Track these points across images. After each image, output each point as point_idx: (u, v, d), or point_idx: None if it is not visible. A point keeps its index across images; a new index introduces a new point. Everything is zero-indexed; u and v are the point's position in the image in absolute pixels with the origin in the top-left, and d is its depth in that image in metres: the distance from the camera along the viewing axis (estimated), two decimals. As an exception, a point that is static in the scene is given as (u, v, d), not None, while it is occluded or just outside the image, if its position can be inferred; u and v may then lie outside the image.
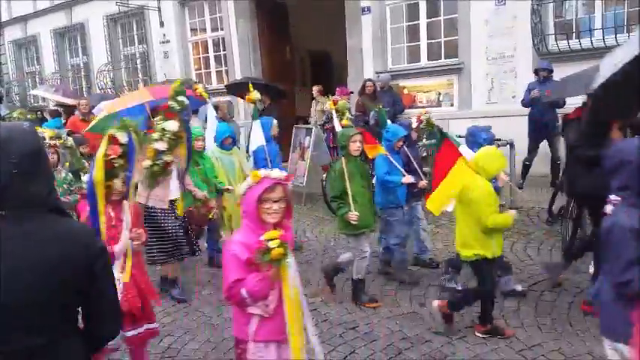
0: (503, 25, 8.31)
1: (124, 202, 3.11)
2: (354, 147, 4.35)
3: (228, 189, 5.23)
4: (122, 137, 2.92)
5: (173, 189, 4.10)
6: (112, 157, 2.89)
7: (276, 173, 2.40)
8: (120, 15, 13.12)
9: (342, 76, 11.07)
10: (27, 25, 16.39)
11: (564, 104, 6.81)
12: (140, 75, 13.69)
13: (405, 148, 4.95)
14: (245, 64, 11.56)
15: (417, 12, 9.33)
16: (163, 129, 3.35)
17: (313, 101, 11.80)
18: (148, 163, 3.25)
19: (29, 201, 1.53)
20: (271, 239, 2.18)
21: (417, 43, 9.44)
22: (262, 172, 2.40)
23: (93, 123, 5.05)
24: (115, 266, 2.91)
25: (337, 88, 8.79)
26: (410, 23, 9.48)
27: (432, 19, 9.23)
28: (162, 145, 3.31)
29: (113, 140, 2.91)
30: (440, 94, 9.15)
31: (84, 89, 15.16)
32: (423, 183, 4.75)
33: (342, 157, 4.41)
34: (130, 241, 3.05)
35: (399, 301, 4.48)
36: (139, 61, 13.64)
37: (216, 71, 12.46)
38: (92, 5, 13.98)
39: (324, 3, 11.07)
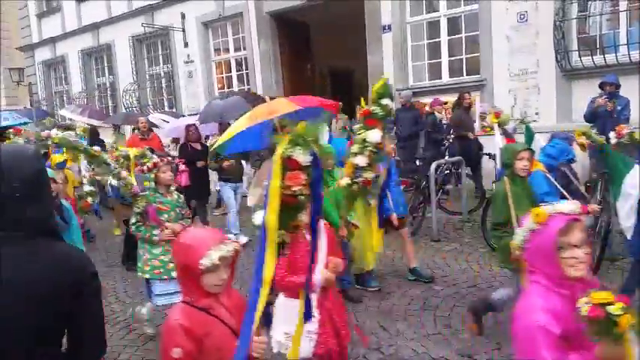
0: (525, 41, 8.29)
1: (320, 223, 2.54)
2: (521, 165, 3.70)
3: (356, 225, 4.35)
4: (303, 157, 2.06)
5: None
6: (294, 188, 2.04)
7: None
8: (145, 36, 13.46)
9: (363, 93, 11.09)
10: (56, 46, 16.91)
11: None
12: (165, 94, 13.97)
13: (567, 167, 4.34)
14: (267, 82, 11.72)
15: (438, 29, 9.38)
16: (364, 140, 2.76)
17: (333, 119, 11.91)
18: (346, 181, 2.81)
19: (27, 224, 1.52)
20: (608, 303, 1.52)
21: (439, 60, 9.46)
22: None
23: (219, 142, 4.57)
24: (312, 301, 2.51)
25: (432, 99, 8.79)
26: (431, 41, 9.52)
27: (453, 36, 9.25)
28: (362, 160, 2.79)
29: (289, 164, 2.05)
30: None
31: (110, 108, 15.53)
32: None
33: (505, 177, 3.75)
34: (327, 271, 2.60)
35: (423, 322, 4.44)
36: (163, 81, 13.94)
37: (239, 89, 12.62)
38: (118, 26, 14.38)
39: (345, 21, 11.20)
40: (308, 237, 2.57)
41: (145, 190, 4.09)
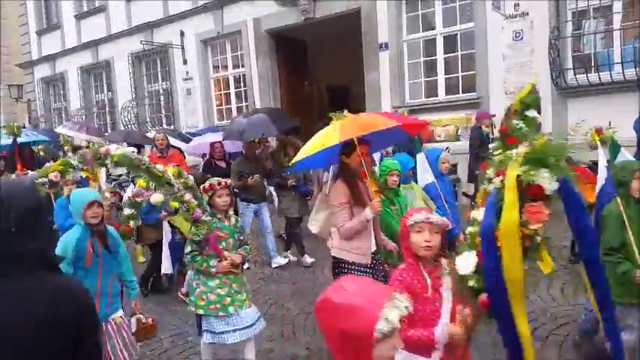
0: (521, 59, 8.37)
1: (441, 261, 2.27)
2: (637, 185, 3.39)
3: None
4: (549, 183, 1.69)
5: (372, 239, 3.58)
6: (533, 226, 1.69)
7: None
8: (144, 53, 13.55)
9: (361, 110, 11.15)
10: (55, 63, 17.02)
11: None
12: (163, 111, 14.03)
13: None
14: (265, 99, 11.78)
15: (435, 47, 9.46)
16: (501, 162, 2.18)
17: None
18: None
19: (24, 258, 1.48)
20: None
21: (435, 77, 9.53)
22: None
23: (297, 159, 3.77)
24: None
25: (477, 112, 8.14)
26: (427, 59, 9.60)
27: (450, 54, 9.34)
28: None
29: (529, 191, 1.68)
30: (458, 128, 9.17)
31: (108, 125, 15.57)
32: None
33: (618, 198, 3.41)
34: (453, 325, 2.16)
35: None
36: (162, 98, 14.00)
37: (237, 107, 12.71)
38: (118, 43, 14.50)
39: (342, 39, 11.32)
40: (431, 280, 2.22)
41: (199, 217, 3.67)
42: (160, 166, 3.70)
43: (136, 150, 3.80)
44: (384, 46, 9.85)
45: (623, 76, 7.41)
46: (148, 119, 14.20)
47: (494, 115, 7.78)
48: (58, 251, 3.16)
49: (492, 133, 7.93)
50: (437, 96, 9.56)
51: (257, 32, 11.57)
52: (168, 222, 5.54)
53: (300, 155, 3.70)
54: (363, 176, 3.62)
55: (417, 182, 4.95)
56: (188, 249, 3.71)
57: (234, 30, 11.96)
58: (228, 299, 3.66)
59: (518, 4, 8.31)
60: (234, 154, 8.23)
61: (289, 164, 6.53)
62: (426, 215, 2.21)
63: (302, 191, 6.79)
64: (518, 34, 8.36)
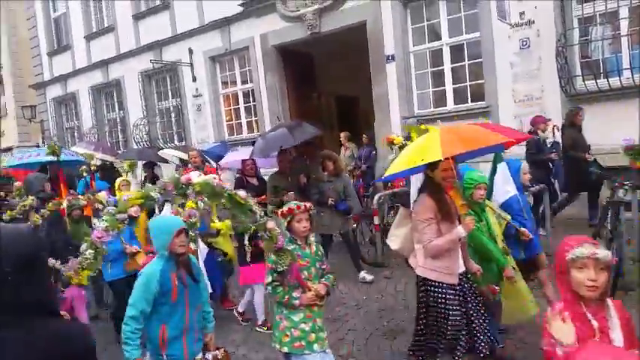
0: (528, 67, 8.37)
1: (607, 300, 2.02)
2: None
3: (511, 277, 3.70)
4: None
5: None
6: None
7: None
8: (154, 71, 13.73)
9: (369, 120, 11.24)
10: (67, 83, 17.29)
11: None
12: (174, 128, 14.18)
13: None
14: (274, 113, 11.87)
15: (441, 57, 9.49)
16: None
17: (342, 147, 12.02)
18: None
19: (22, 307, 1.46)
20: None
21: (443, 87, 9.56)
22: None
23: (391, 171, 3.63)
24: None
25: (532, 118, 7.55)
26: (434, 69, 9.63)
27: (457, 64, 9.36)
28: None
29: None
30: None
31: (120, 143, 15.77)
32: None
33: None
34: None
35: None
36: (172, 115, 14.16)
37: (247, 121, 12.82)
38: (128, 62, 14.71)
39: (348, 52, 11.39)
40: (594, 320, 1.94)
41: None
42: (242, 193, 3.37)
43: (216, 177, 3.47)
44: (390, 57, 9.91)
45: (633, 80, 7.39)
46: (160, 136, 14.36)
47: (550, 120, 7.55)
48: (140, 288, 2.99)
49: (552, 137, 7.58)
50: (445, 105, 9.57)
51: (264, 48, 11.69)
52: (208, 243, 5.52)
53: (396, 168, 3.49)
54: (449, 190, 3.43)
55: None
56: (269, 279, 3.41)
57: (242, 46, 12.09)
58: (313, 336, 3.37)
59: (523, 13, 8.32)
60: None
61: (327, 179, 6.53)
62: (591, 250, 1.94)
63: (342, 209, 6.52)
64: (524, 42, 8.38)
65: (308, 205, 3.52)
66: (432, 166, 3.35)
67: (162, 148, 12.05)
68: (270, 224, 3.36)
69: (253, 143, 8.30)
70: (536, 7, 8.17)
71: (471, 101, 9.26)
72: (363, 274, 6.42)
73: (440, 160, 3.18)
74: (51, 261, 2.82)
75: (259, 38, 11.73)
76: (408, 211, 3.83)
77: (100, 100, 16.46)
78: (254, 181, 7.18)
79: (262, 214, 3.40)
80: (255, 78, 12.12)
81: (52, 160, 7.12)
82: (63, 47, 17.19)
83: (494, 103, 8.79)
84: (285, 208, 3.48)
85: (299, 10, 10.76)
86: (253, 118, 12.59)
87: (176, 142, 13.69)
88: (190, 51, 12.93)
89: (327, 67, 13.01)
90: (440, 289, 3.36)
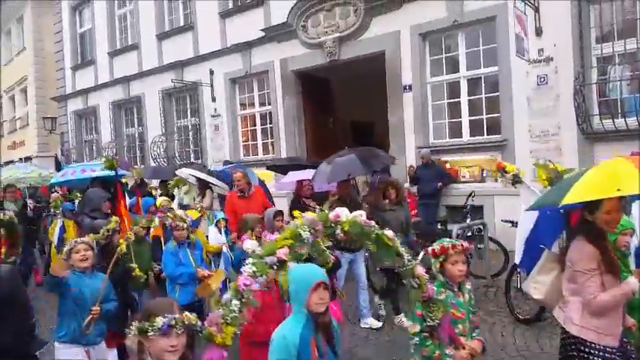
0: (545, 103, 8.42)
1: None
2: None
3: None
4: None
5: None
6: None
7: None
8: (175, 90, 14.00)
9: (384, 146, 11.30)
10: (88, 97, 17.67)
11: None
12: (192, 146, 14.39)
13: None
14: (290, 135, 12.03)
15: (458, 90, 9.58)
16: None
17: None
18: None
19: None
20: None
21: (459, 119, 9.63)
22: None
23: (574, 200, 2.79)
24: None
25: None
26: (451, 100, 9.72)
27: (474, 96, 9.44)
28: None
29: None
30: (483, 170, 9.20)
31: (138, 158, 16.01)
32: None
33: None
34: None
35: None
36: (190, 133, 14.38)
37: (263, 143, 12.98)
38: (149, 80, 15.02)
39: (366, 79, 11.53)
40: None
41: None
42: (389, 233, 2.88)
43: (362, 213, 2.95)
44: (407, 87, 10.02)
45: (651, 121, 7.40)
46: (177, 153, 14.57)
47: None
48: (277, 351, 2.47)
49: None
50: (461, 137, 9.63)
51: (283, 72, 11.89)
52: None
53: (581, 196, 2.77)
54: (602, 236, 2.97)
55: None
56: (417, 329, 2.97)
57: (262, 70, 12.32)
58: None
59: (542, 50, 8.40)
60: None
61: (389, 207, 6.06)
62: None
63: (407, 241, 5.91)
64: (542, 79, 8.44)
65: (465, 244, 3.10)
66: (591, 207, 2.91)
67: (180, 166, 12.11)
68: (419, 270, 2.89)
69: (298, 166, 8.32)
70: (555, 45, 8.25)
71: (487, 134, 9.31)
72: (402, 319, 5.73)
73: (602, 200, 2.83)
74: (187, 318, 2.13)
75: (279, 63, 11.94)
76: (556, 255, 3.39)
77: (120, 116, 16.78)
78: (311, 203, 6.76)
79: (410, 257, 2.90)
80: (273, 101, 12.30)
81: (110, 175, 6.59)
82: (87, 62, 17.62)
83: (510, 137, 8.83)
84: (437, 247, 3.08)
85: (319, 38, 10.97)
86: (269, 140, 12.74)
87: (192, 159, 13.86)
88: (211, 72, 13.18)
89: (344, 92, 13.17)
90: (598, 353, 2.89)
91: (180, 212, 5.56)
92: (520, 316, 5.84)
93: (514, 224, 6.26)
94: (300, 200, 6.90)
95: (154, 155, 14.48)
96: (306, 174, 7.38)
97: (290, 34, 11.53)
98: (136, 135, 16.28)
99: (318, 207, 7.19)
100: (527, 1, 8.14)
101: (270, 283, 2.75)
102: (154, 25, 14.74)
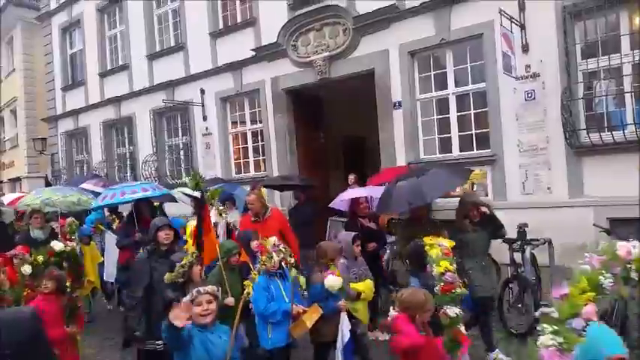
0: (534, 119, 8.53)
1: None
2: None
3: None
4: None
5: None
6: None
7: None
8: (166, 109, 14.04)
9: (375, 162, 11.39)
10: (79, 118, 17.64)
11: None
12: (183, 164, 14.39)
13: None
14: (281, 153, 12.08)
15: (447, 106, 9.70)
16: None
17: (348, 188, 12.11)
18: None
19: None
20: None
21: (449, 135, 9.72)
22: None
23: None
24: None
25: None
26: (440, 116, 9.83)
27: (462, 112, 9.56)
28: None
29: None
30: (474, 184, 9.27)
31: (129, 178, 15.94)
32: None
33: None
34: None
35: None
36: (182, 152, 14.38)
37: (254, 160, 13.00)
38: (140, 100, 15.05)
39: (357, 96, 11.63)
40: None
41: None
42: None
43: None
44: (397, 104, 10.12)
45: (637, 135, 7.51)
46: (168, 172, 14.54)
47: None
48: None
49: None
50: (451, 152, 9.71)
51: (274, 90, 11.98)
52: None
53: None
54: None
55: None
56: None
57: (253, 88, 12.40)
58: None
59: (529, 66, 8.54)
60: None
61: (472, 229, 5.40)
62: None
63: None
64: (530, 94, 8.57)
65: None
66: None
67: (173, 185, 11.99)
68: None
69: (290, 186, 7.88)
70: (542, 61, 8.39)
71: (477, 149, 9.41)
72: (498, 354, 5.35)
73: None
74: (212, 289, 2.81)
75: (270, 81, 12.03)
76: None
77: (111, 135, 16.75)
78: (371, 224, 6.40)
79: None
80: (265, 119, 12.37)
81: (154, 195, 6.41)
82: (77, 83, 17.63)
83: (499, 151, 8.92)
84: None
85: (309, 57, 11.09)
86: (261, 157, 12.77)
87: (184, 179, 13.80)
88: (202, 91, 13.25)
89: (334, 109, 13.28)
90: None
91: (273, 239, 4.64)
92: (513, 331, 5.86)
93: (504, 240, 6.35)
94: (356, 220, 6.43)
95: (145, 175, 14.44)
96: (362, 192, 6.98)
97: (280, 54, 11.65)
98: (127, 154, 16.24)
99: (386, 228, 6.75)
100: (513, 20, 8.31)
101: None
102: (145, 46, 14.82)
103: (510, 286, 6.43)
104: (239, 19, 12.76)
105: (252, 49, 12.01)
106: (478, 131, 9.38)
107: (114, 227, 8.94)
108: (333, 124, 13.85)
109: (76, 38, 17.90)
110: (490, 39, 8.84)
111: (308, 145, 12.56)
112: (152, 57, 14.70)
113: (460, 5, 9.24)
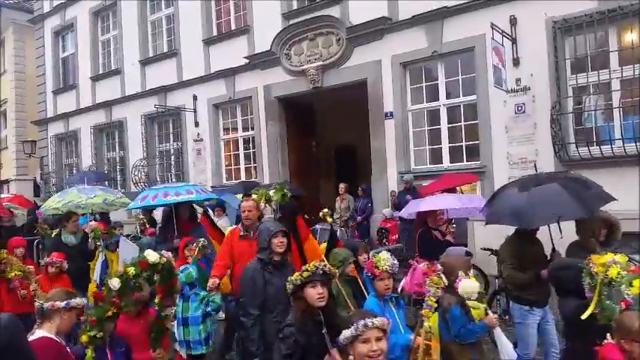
0: (523, 132, 8.61)
1: None
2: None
3: None
4: None
5: None
6: None
7: None
8: (157, 114, 13.99)
9: (367, 171, 11.42)
10: (69, 121, 17.52)
11: None
12: (173, 170, 14.32)
13: None
14: (273, 160, 12.07)
15: (438, 117, 9.76)
16: None
17: (338, 197, 12.11)
18: None
19: None
20: None
21: (439, 146, 9.78)
22: None
23: None
24: None
25: None
26: (431, 127, 9.89)
27: (453, 124, 9.63)
28: None
29: None
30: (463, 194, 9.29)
31: (119, 182, 15.85)
32: None
33: None
34: None
35: None
36: (173, 157, 14.32)
37: (245, 167, 12.98)
38: (131, 105, 15.00)
39: (349, 106, 11.69)
40: None
41: None
42: None
43: None
44: (389, 114, 10.18)
45: (624, 150, 7.60)
46: (158, 177, 14.47)
47: None
48: None
49: None
50: (442, 163, 9.77)
51: (267, 98, 12.00)
52: None
53: None
54: None
55: None
56: None
57: (245, 96, 12.41)
58: None
59: (520, 79, 8.63)
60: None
61: (599, 249, 4.32)
62: None
63: None
64: (520, 108, 8.65)
65: None
66: None
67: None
68: None
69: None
70: (532, 75, 8.48)
71: (467, 160, 9.46)
72: None
73: None
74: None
75: (262, 89, 12.05)
76: None
77: (101, 139, 16.65)
78: (447, 237, 5.96)
79: None
80: (257, 126, 12.37)
81: (197, 199, 6.07)
82: (69, 86, 17.55)
83: (489, 163, 8.98)
84: None
85: (302, 66, 11.13)
86: (252, 165, 12.76)
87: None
88: (194, 97, 13.24)
89: (326, 118, 13.34)
90: None
91: (386, 254, 3.73)
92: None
93: (493, 252, 6.36)
94: (430, 234, 5.76)
95: (135, 180, 14.34)
96: (437, 201, 6.25)
97: (273, 62, 11.68)
98: (117, 159, 16.15)
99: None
100: (504, 33, 8.40)
101: None
102: (138, 51, 14.79)
103: (498, 297, 6.44)
104: (233, 27, 12.79)
105: (245, 57, 12.03)
106: (468, 143, 9.44)
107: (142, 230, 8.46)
108: (325, 133, 13.89)
109: (69, 41, 17.84)
110: (481, 52, 8.93)
111: (300, 154, 12.57)
112: (145, 62, 14.67)
113: (452, 18, 9.34)
